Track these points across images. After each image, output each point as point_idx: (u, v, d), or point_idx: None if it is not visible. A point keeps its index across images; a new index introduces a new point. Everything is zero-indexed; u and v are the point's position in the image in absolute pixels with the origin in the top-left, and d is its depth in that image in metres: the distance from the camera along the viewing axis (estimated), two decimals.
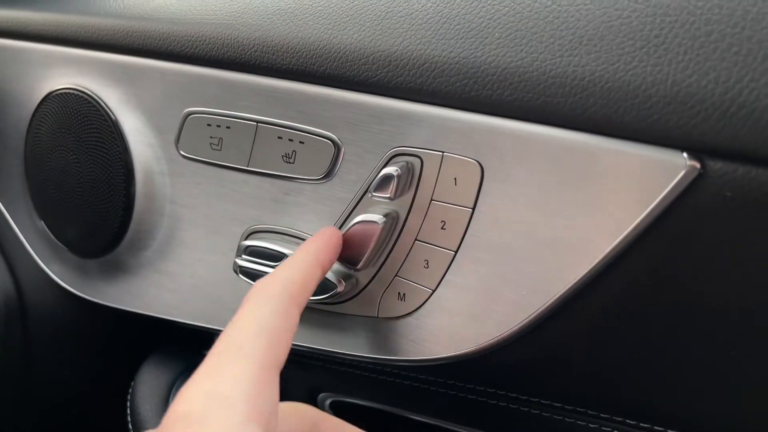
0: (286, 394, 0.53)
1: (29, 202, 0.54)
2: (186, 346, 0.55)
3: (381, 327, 0.39)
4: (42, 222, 0.53)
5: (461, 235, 0.35)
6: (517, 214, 0.33)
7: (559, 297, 0.33)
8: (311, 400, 0.51)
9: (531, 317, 0.34)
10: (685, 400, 0.33)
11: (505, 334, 0.35)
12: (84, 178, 0.48)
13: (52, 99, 0.50)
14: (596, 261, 0.31)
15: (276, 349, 0.29)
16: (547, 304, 0.33)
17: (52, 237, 0.53)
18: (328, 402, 0.50)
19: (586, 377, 0.35)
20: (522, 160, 0.32)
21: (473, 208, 0.34)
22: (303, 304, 0.32)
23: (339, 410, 0.50)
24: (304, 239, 0.41)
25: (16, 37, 0.53)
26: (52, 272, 0.55)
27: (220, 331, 0.46)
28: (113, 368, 0.55)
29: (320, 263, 0.34)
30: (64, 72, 0.50)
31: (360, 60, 0.35)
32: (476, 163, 0.33)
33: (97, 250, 0.50)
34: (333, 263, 0.37)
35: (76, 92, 0.49)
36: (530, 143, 0.31)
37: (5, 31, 0.54)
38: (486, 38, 0.32)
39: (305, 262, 0.33)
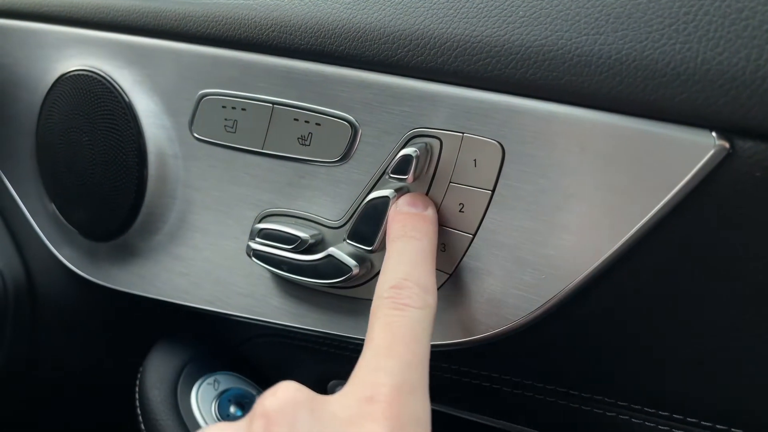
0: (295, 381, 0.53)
1: (40, 186, 0.54)
2: (195, 331, 0.54)
3: None
4: (52, 205, 0.53)
5: (480, 219, 0.35)
6: (538, 196, 0.33)
7: (580, 281, 0.32)
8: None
9: (550, 302, 0.33)
10: (712, 388, 0.32)
11: (523, 320, 0.35)
12: (96, 160, 0.48)
13: (65, 81, 0.50)
14: (619, 244, 0.30)
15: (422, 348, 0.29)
16: (568, 289, 0.33)
17: (63, 220, 0.53)
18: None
19: (605, 363, 0.35)
20: (544, 141, 0.31)
21: (493, 191, 0.34)
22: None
23: None
24: (319, 222, 0.41)
25: (28, 18, 0.52)
26: (62, 256, 0.54)
27: (232, 315, 0.46)
28: (122, 353, 0.54)
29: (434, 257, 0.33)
30: (77, 53, 0.50)
31: (380, 39, 0.35)
32: (497, 144, 0.33)
33: (107, 234, 0.50)
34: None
35: (89, 74, 0.49)
36: (553, 124, 0.31)
37: (18, 12, 0.53)
38: (509, 16, 0.31)
39: (428, 263, 0.32)
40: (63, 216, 0.52)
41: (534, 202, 0.33)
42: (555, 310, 0.34)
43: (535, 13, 0.31)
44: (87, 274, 0.53)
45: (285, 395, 0.28)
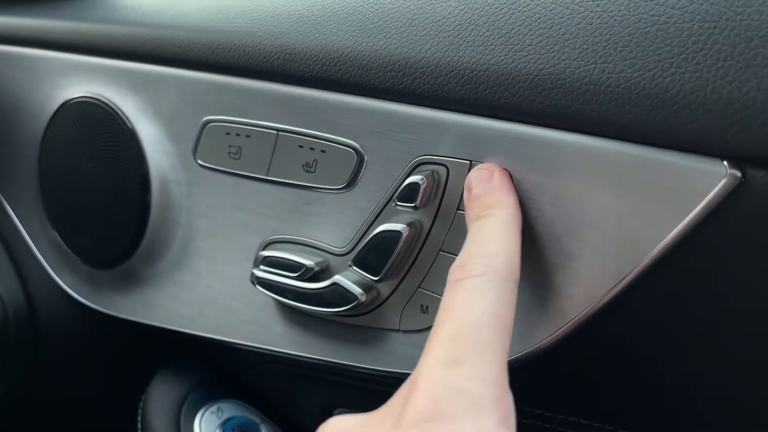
0: (299, 411, 0.52)
1: (41, 212, 0.54)
2: (198, 358, 0.54)
3: (402, 340, 0.38)
4: (55, 232, 0.52)
5: None
6: (547, 225, 0.32)
7: (589, 312, 0.32)
8: (325, 417, 0.50)
9: (559, 332, 0.33)
10: (729, 413, 0.32)
11: (528, 351, 0.34)
12: (99, 186, 0.48)
13: (69, 107, 0.50)
14: (630, 274, 0.30)
15: (508, 339, 0.26)
16: (576, 319, 0.32)
17: (65, 247, 0.52)
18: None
19: (621, 393, 0.34)
20: (553, 169, 0.31)
21: None
22: (517, 282, 0.28)
23: None
24: (324, 249, 0.40)
25: (32, 45, 0.52)
26: (64, 283, 0.54)
27: (235, 344, 0.46)
28: (124, 381, 0.54)
29: (516, 222, 0.30)
30: (80, 80, 0.50)
31: (385, 67, 0.35)
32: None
33: (110, 261, 0.50)
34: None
35: (92, 101, 0.48)
36: (562, 152, 0.31)
37: (22, 39, 0.53)
38: (516, 45, 0.31)
39: (503, 230, 0.29)
40: (65, 243, 0.51)
41: (541, 230, 0.32)
42: (564, 341, 0.33)
43: (542, 41, 0.31)
44: (89, 301, 0.53)
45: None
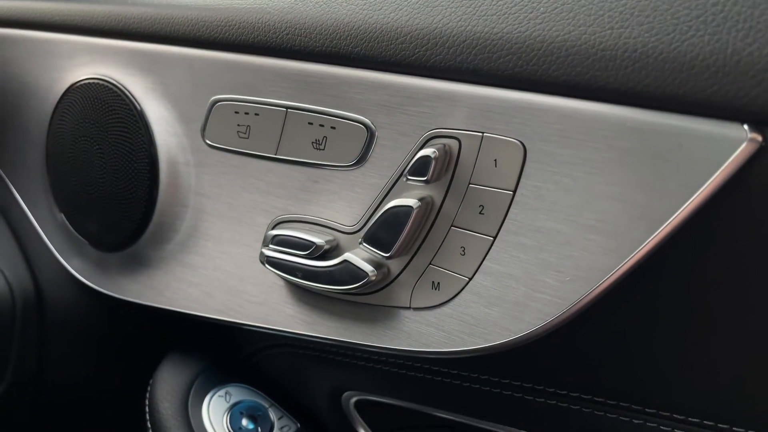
0: (308, 395, 0.52)
1: (49, 196, 0.53)
2: (206, 342, 0.53)
3: (414, 318, 0.38)
4: (62, 215, 0.52)
5: (501, 220, 0.34)
6: (562, 196, 0.32)
7: (606, 283, 0.31)
8: (335, 399, 0.49)
9: (575, 305, 0.32)
10: (742, 391, 0.31)
11: (547, 324, 0.34)
12: (107, 168, 0.48)
13: (76, 90, 0.49)
14: (647, 244, 0.30)
15: None
16: (593, 292, 0.32)
17: (72, 230, 0.52)
18: (353, 401, 0.49)
19: (633, 369, 0.34)
20: (568, 139, 0.31)
21: (514, 191, 0.33)
22: None
23: (364, 409, 0.49)
24: (333, 228, 0.40)
25: (39, 28, 0.52)
26: (71, 266, 0.54)
27: (244, 325, 0.46)
28: (132, 365, 0.53)
29: None
30: (87, 62, 0.50)
31: (397, 39, 0.35)
32: (519, 144, 0.32)
33: (118, 243, 0.49)
34: None
35: (100, 82, 0.48)
36: (577, 121, 0.30)
37: (29, 22, 0.53)
38: (530, 13, 0.31)
39: None
40: (72, 226, 0.51)
41: (557, 202, 0.32)
42: (582, 314, 0.33)
43: (556, 8, 0.30)
44: (96, 284, 0.52)
45: None
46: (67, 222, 0.51)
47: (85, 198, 0.49)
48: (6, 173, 0.57)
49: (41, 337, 0.54)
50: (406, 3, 0.35)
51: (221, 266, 0.45)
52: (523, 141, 0.32)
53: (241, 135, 0.43)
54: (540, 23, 0.30)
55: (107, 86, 0.48)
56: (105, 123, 0.48)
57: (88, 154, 0.49)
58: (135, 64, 0.47)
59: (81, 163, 0.49)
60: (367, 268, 0.38)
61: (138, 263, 0.49)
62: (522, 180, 0.33)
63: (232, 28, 0.41)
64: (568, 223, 0.32)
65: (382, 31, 0.35)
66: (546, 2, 0.31)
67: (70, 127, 0.49)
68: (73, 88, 0.50)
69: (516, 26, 0.31)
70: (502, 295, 0.35)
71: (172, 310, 0.48)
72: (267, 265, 0.42)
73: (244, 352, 0.52)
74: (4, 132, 0.57)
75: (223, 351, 0.53)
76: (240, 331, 0.48)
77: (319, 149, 0.40)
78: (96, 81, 0.48)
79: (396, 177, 0.37)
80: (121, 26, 0.47)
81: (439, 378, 0.42)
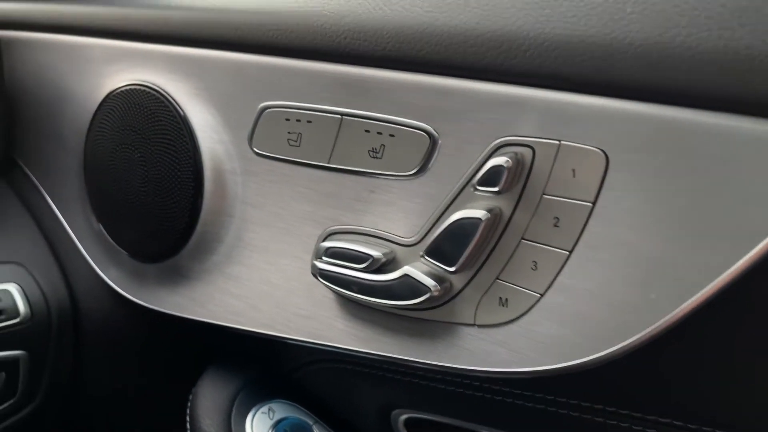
0: (354, 412, 0.50)
1: (86, 205, 0.52)
2: (248, 355, 0.52)
3: (478, 335, 0.36)
4: (99, 225, 0.51)
5: (578, 234, 0.32)
6: (647, 209, 0.30)
7: (696, 302, 0.29)
8: (383, 417, 0.48)
9: (660, 325, 0.30)
10: None
11: (627, 345, 0.32)
12: (149, 177, 0.46)
13: (116, 96, 0.48)
14: (744, 261, 0.28)
15: None
16: (681, 311, 0.30)
17: (110, 241, 0.51)
18: (402, 419, 0.47)
19: (717, 392, 0.32)
20: (656, 148, 0.29)
21: (594, 203, 0.31)
22: None
23: (414, 427, 0.47)
24: (390, 240, 0.38)
25: (76, 33, 0.51)
26: (108, 277, 0.52)
27: (293, 340, 0.44)
28: (171, 379, 0.52)
29: None
30: (127, 68, 0.49)
31: (466, 42, 0.33)
32: (600, 153, 0.30)
33: (159, 254, 0.48)
34: None
35: (142, 88, 0.47)
36: (668, 129, 0.28)
37: (65, 26, 0.52)
38: (616, 14, 0.29)
39: None
40: (111, 236, 0.50)
41: (642, 214, 0.30)
42: (667, 334, 0.31)
43: (645, 9, 0.28)
44: (134, 295, 0.51)
45: None
46: (104, 232, 0.50)
47: (125, 208, 0.48)
48: (41, 182, 0.55)
49: (77, 349, 0.53)
50: (475, 3, 0.33)
51: (268, 278, 0.44)
52: (604, 150, 0.30)
53: (292, 143, 0.41)
54: (627, 24, 0.29)
55: (149, 92, 0.46)
56: (147, 130, 0.46)
57: (129, 162, 0.47)
58: (178, 70, 0.46)
59: (121, 171, 0.48)
60: (429, 282, 0.36)
61: (179, 274, 0.48)
62: (603, 191, 0.31)
63: (284, 32, 0.40)
64: (653, 237, 0.30)
65: (450, 34, 0.33)
66: (633, 2, 0.29)
67: (109, 134, 0.48)
68: (112, 95, 0.48)
69: (600, 28, 0.29)
70: (578, 313, 0.33)
71: (214, 323, 0.46)
72: (320, 279, 0.40)
73: (288, 367, 0.50)
74: (37, 139, 0.56)
75: (265, 365, 0.51)
76: (283, 345, 0.46)
77: (376, 158, 0.38)
78: (137, 87, 0.47)
79: (461, 187, 0.35)
80: (164, 30, 0.46)
81: (499, 397, 0.40)
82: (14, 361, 0.51)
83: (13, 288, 0.51)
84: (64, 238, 0.54)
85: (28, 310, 0.51)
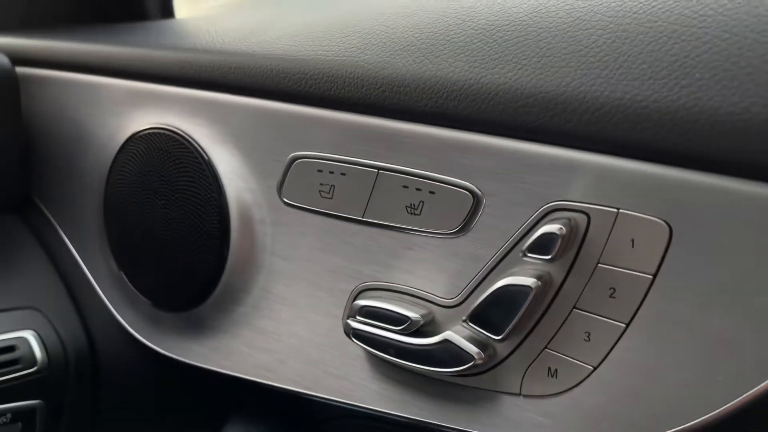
0: None
1: (106, 250, 0.50)
2: (272, 407, 0.50)
3: (524, 406, 0.34)
4: (121, 272, 0.49)
5: (636, 306, 0.30)
6: (714, 286, 0.28)
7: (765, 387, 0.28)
8: None
9: (725, 409, 0.29)
10: None
11: (688, 426, 0.30)
12: (172, 224, 0.45)
13: (139, 139, 0.46)
14: None
15: None
16: (749, 395, 0.28)
17: (131, 287, 0.49)
18: None
19: None
20: (726, 222, 0.27)
21: (654, 276, 0.29)
22: None
23: None
24: (428, 300, 0.36)
25: (101, 73, 0.50)
26: (129, 325, 0.50)
27: (323, 399, 0.42)
28: (192, 429, 0.50)
29: None
30: (152, 111, 0.47)
31: (516, 102, 0.31)
32: (663, 224, 0.29)
33: (182, 304, 0.46)
34: None
35: (165, 132, 0.45)
36: (740, 204, 0.26)
37: (88, 66, 0.51)
38: (683, 79, 0.27)
39: None
40: (132, 284, 0.48)
41: (708, 292, 0.28)
42: (730, 418, 0.29)
43: (716, 75, 0.27)
44: (155, 344, 0.49)
45: None
46: (126, 279, 0.48)
47: (147, 255, 0.46)
48: (59, 223, 0.54)
49: (95, 397, 0.51)
50: (526, 61, 0.31)
51: (297, 333, 0.42)
52: (668, 221, 0.29)
53: (324, 195, 0.39)
54: (696, 91, 0.27)
55: (173, 136, 0.45)
56: (170, 175, 0.45)
57: (151, 207, 0.45)
58: (204, 115, 0.44)
59: (143, 217, 0.46)
60: (473, 349, 0.34)
61: (203, 324, 0.46)
62: (665, 264, 0.29)
63: (318, 82, 0.38)
64: (720, 316, 0.28)
65: (498, 92, 0.32)
66: (702, 67, 0.27)
67: (131, 178, 0.46)
68: (135, 138, 0.47)
69: (665, 94, 0.27)
70: (633, 389, 0.31)
71: (240, 377, 0.45)
72: (354, 339, 0.38)
73: (318, 418, 0.49)
74: (56, 178, 0.54)
75: (290, 418, 0.49)
76: (309, 400, 0.44)
77: (414, 214, 0.36)
78: (160, 131, 0.45)
79: (507, 250, 0.33)
80: (189, 74, 0.44)
81: None
82: (31, 410, 0.49)
83: (30, 335, 0.49)
84: (82, 281, 0.52)
85: (46, 358, 0.49)
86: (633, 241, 0.30)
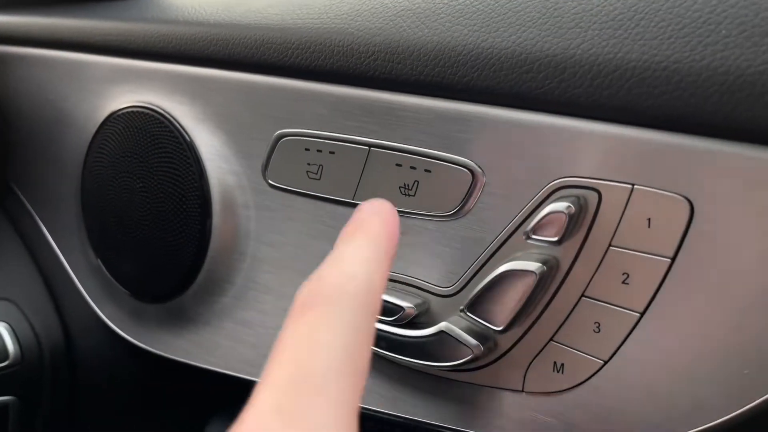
0: None
1: (84, 237, 0.48)
2: None
3: (527, 404, 0.31)
4: (98, 260, 0.46)
5: (652, 293, 0.27)
6: (740, 269, 0.25)
7: None
8: None
9: (752, 407, 0.26)
10: None
11: (709, 426, 0.27)
12: (151, 208, 0.42)
13: (117, 118, 0.44)
14: None
15: (360, 385, 0.20)
16: None
17: (110, 277, 0.46)
18: None
19: None
20: (754, 197, 0.24)
21: (673, 259, 0.26)
22: (378, 314, 0.23)
23: None
24: (422, 288, 0.34)
25: (76, 49, 0.47)
26: (107, 317, 0.47)
27: None
28: (175, 427, 0.47)
29: (387, 253, 0.24)
30: (130, 88, 0.44)
31: (520, 68, 0.28)
32: (684, 200, 0.26)
33: (162, 295, 0.43)
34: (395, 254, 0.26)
35: (144, 110, 0.42)
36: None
37: (64, 42, 0.48)
38: (708, 36, 0.24)
39: (370, 253, 0.23)
40: (110, 273, 0.45)
41: (733, 277, 0.25)
42: (762, 416, 0.26)
43: (745, 31, 0.24)
44: (134, 338, 0.46)
45: None
46: (103, 268, 0.46)
47: (125, 242, 0.43)
48: (36, 210, 0.51)
49: (72, 394, 0.48)
50: (531, 23, 0.28)
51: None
52: (688, 197, 0.26)
53: (312, 175, 0.36)
54: (722, 49, 0.24)
55: (152, 115, 0.42)
56: (149, 157, 0.42)
57: (130, 192, 0.43)
58: (185, 91, 0.41)
59: (121, 202, 0.43)
60: (471, 342, 0.31)
61: (185, 317, 0.43)
62: (684, 245, 0.26)
63: (305, 52, 0.35)
64: (746, 302, 0.25)
65: (500, 57, 0.29)
66: (729, 23, 0.24)
67: (109, 161, 0.44)
68: (113, 117, 0.44)
69: (688, 53, 0.24)
70: (649, 385, 0.28)
71: (223, 372, 0.42)
72: None
73: None
74: (34, 164, 0.52)
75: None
76: None
77: (409, 195, 0.33)
78: (139, 109, 0.42)
79: (509, 233, 0.30)
80: (170, 48, 0.41)
81: None
82: (3, 407, 0.46)
83: (2, 328, 0.46)
84: (60, 272, 0.49)
85: (19, 353, 0.46)
86: (649, 220, 0.27)
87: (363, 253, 0.23)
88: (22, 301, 0.48)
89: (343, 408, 0.19)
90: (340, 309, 0.21)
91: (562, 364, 0.30)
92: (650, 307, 0.27)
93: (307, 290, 0.22)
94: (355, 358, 0.20)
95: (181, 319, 0.44)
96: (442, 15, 0.31)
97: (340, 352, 0.20)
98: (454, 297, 0.33)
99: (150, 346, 0.45)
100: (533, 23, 0.28)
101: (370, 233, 0.24)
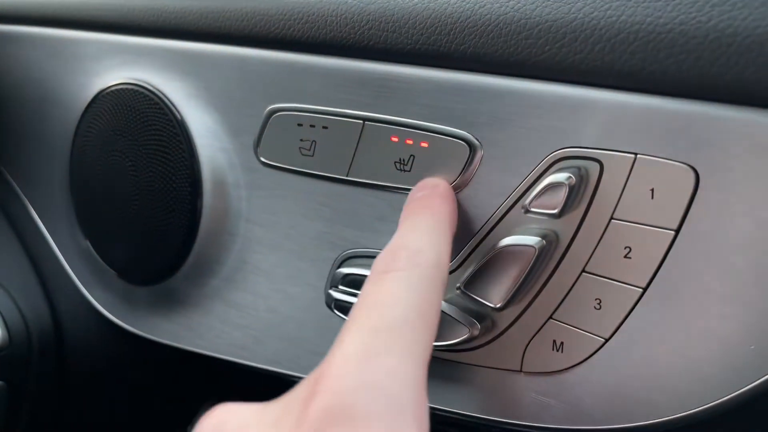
0: None
1: (72, 219, 0.46)
2: (250, 393, 0.46)
3: (526, 384, 0.30)
4: (87, 241, 0.45)
5: (655, 267, 0.26)
6: (745, 241, 0.24)
7: None
8: None
9: (759, 384, 0.25)
10: None
11: (712, 406, 0.26)
12: (141, 189, 0.41)
13: (106, 96, 0.42)
14: None
15: (429, 340, 0.24)
16: None
17: (98, 259, 0.45)
18: None
19: None
20: (760, 165, 0.23)
21: (677, 231, 0.25)
22: (446, 285, 0.26)
23: None
24: None
25: (62, 26, 0.45)
26: (96, 300, 0.46)
27: (301, 379, 0.38)
28: (162, 416, 0.46)
29: (450, 229, 0.28)
30: (119, 65, 0.43)
31: (519, 34, 0.27)
32: (689, 169, 0.25)
33: (151, 276, 0.42)
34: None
35: (134, 88, 0.41)
36: None
37: (49, 18, 0.47)
38: None
39: (435, 229, 0.27)
40: (99, 255, 0.44)
41: (739, 247, 0.24)
42: (759, 395, 0.25)
43: None
44: (124, 322, 0.45)
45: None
46: (92, 249, 0.45)
47: (114, 222, 0.42)
48: (24, 191, 0.50)
49: (60, 379, 0.47)
50: None
51: (275, 307, 0.38)
52: (694, 166, 0.25)
53: (305, 152, 0.35)
54: (729, 9, 0.23)
55: (141, 92, 0.41)
56: (139, 135, 0.41)
57: (119, 171, 0.41)
58: (175, 67, 0.40)
59: (110, 181, 0.42)
60: (467, 320, 0.30)
61: (174, 299, 0.42)
62: (689, 217, 0.25)
63: (297, 23, 0.34)
64: (752, 276, 0.24)
65: (498, 23, 0.28)
66: None
67: (98, 139, 0.43)
68: (102, 95, 0.43)
69: (694, 14, 0.23)
70: (651, 363, 0.27)
71: (213, 356, 0.41)
72: (335, 310, 0.34)
73: None
74: (22, 144, 0.50)
75: (270, 399, 0.45)
76: (292, 383, 0.41)
77: (404, 170, 0.32)
78: (129, 86, 0.41)
79: (508, 206, 0.29)
80: (159, 22, 0.40)
81: None
82: None
83: None
84: (48, 255, 0.48)
85: (6, 336, 0.45)
86: (652, 191, 0.26)
87: (428, 229, 0.27)
88: (10, 285, 0.47)
89: (415, 353, 0.22)
90: (412, 276, 0.25)
91: (562, 343, 0.29)
92: (653, 283, 0.26)
93: (383, 262, 0.26)
94: (426, 318, 0.24)
95: (170, 302, 0.43)
96: None
97: (412, 309, 0.23)
98: (450, 275, 0.32)
99: (139, 330, 0.44)
100: None
101: (433, 210, 0.29)
